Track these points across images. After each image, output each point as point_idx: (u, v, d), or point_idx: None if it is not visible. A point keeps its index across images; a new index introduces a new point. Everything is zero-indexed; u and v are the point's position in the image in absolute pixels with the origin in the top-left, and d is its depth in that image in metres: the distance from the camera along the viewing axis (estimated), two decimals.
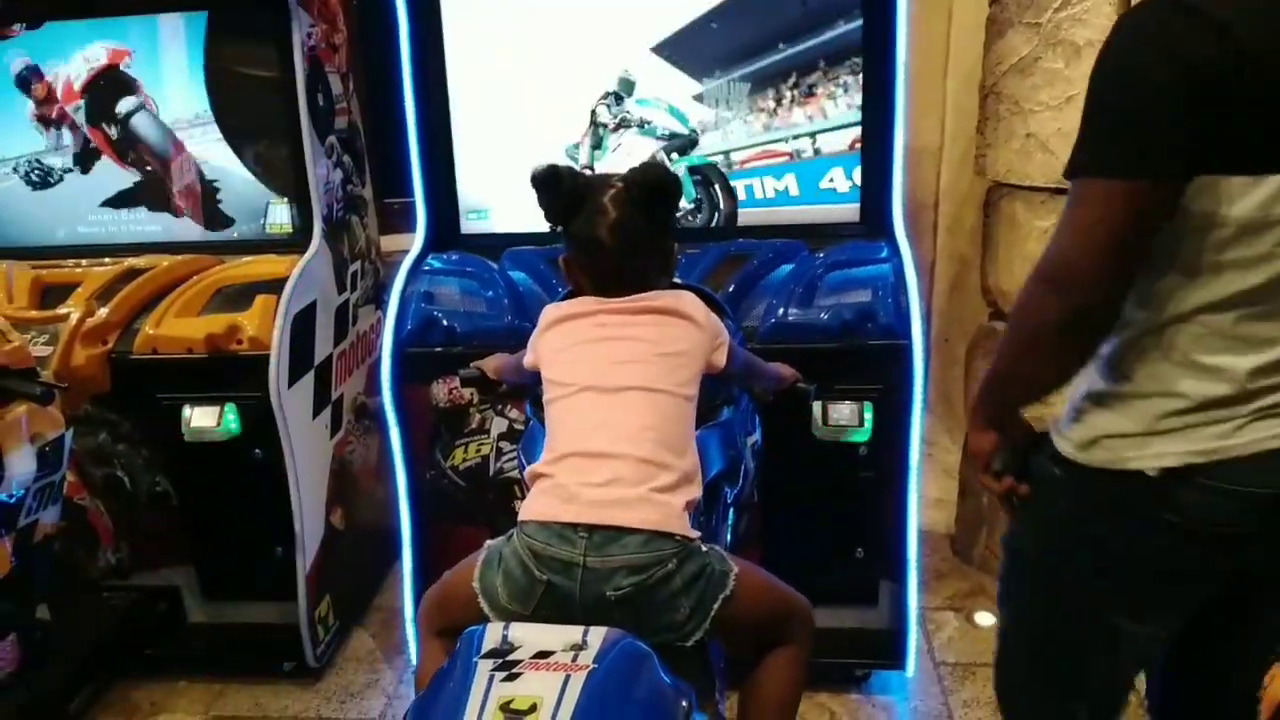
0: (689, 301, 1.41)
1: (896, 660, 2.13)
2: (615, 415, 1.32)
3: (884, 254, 2.04)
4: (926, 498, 2.03)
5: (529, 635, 1.16)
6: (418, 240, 2.21)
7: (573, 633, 1.16)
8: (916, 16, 1.96)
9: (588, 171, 1.41)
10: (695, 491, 1.34)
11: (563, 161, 1.61)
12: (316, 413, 2.26)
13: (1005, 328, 1.20)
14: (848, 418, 1.93)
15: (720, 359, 1.42)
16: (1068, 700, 1.29)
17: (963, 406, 2.68)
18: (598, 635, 1.15)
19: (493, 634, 1.17)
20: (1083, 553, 1.19)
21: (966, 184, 2.82)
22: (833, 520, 2.05)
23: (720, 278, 2.02)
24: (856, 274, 2.01)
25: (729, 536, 1.64)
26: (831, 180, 2.15)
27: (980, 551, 2.65)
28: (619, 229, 1.36)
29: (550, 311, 1.45)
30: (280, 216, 2.32)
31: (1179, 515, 1.08)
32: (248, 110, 2.25)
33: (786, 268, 2.05)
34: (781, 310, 1.92)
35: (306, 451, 2.17)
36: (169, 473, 2.21)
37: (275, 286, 2.09)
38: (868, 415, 1.93)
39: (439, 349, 2.02)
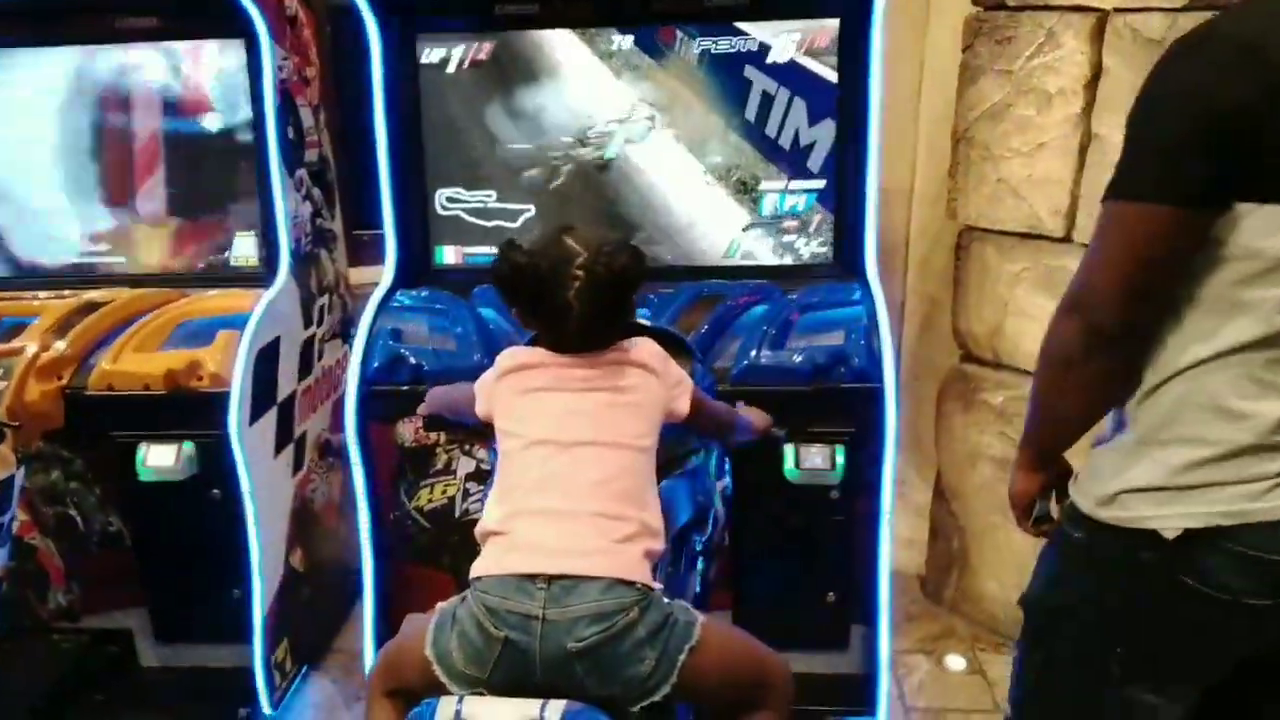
0: (646, 349, 1.37)
1: (867, 706, 2.10)
2: (569, 470, 1.28)
3: (856, 296, 2.04)
4: (897, 538, 2.02)
5: (483, 711, 1.12)
6: (387, 275, 2.17)
7: (530, 707, 1.12)
8: (890, 60, 1.97)
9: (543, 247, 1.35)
10: (656, 543, 1.31)
11: None
12: (278, 451, 2.20)
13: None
14: (820, 461, 1.91)
15: (682, 406, 1.39)
16: None
17: (933, 446, 2.68)
18: (556, 709, 1.11)
19: (445, 711, 1.12)
20: (1099, 617, 1.14)
21: (937, 225, 2.83)
22: (804, 564, 2.03)
23: (693, 318, 2.00)
24: (829, 316, 2.01)
25: (699, 584, 1.61)
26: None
27: (951, 594, 2.64)
28: (584, 320, 1.31)
29: (504, 360, 1.41)
30: (246, 249, 2.28)
31: (1199, 580, 1.04)
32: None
33: (760, 309, 2.04)
34: (754, 352, 1.91)
35: (267, 491, 2.11)
36: (123, 512, 2.14)
37: (238, 322, 2.05)
38: (840, 459, 1.91)
39: (406, 387, 1.97)
